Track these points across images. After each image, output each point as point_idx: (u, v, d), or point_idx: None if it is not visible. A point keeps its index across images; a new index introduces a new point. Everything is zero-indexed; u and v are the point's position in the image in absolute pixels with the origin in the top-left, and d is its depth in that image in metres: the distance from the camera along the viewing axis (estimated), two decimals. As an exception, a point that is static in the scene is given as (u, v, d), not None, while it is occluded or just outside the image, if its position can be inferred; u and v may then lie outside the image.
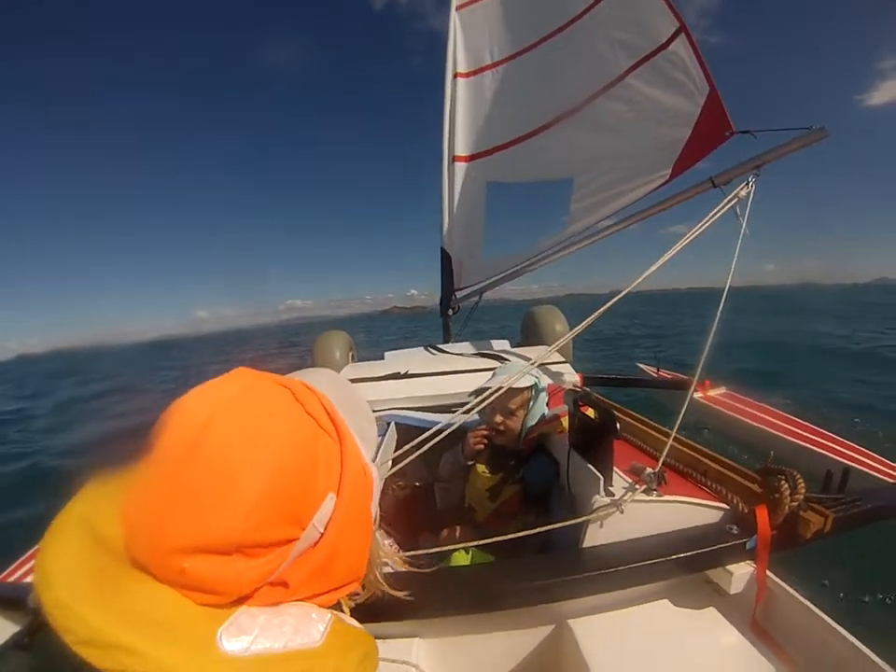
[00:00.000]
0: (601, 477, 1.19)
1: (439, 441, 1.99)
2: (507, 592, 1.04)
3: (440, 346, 2.75)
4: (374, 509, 0.53)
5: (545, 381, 1.60)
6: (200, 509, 0.38)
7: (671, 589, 1.17)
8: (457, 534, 1.55)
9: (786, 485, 1.04)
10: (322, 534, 0.44)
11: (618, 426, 1.21)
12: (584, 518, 1.13)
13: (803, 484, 1.05)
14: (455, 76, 2.92)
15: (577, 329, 1.36)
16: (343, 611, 0.58)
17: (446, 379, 2.09)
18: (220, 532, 0.38)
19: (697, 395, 2.13)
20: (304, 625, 0.43)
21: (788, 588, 1.08)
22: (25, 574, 1.29)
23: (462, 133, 2.84)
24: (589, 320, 1.36)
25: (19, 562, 1.38)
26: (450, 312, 3.18)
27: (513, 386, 1.44)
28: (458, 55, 2.95)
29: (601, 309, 1.35)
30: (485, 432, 1.64)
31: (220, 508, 0.38)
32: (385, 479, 1.79)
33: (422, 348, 2.75)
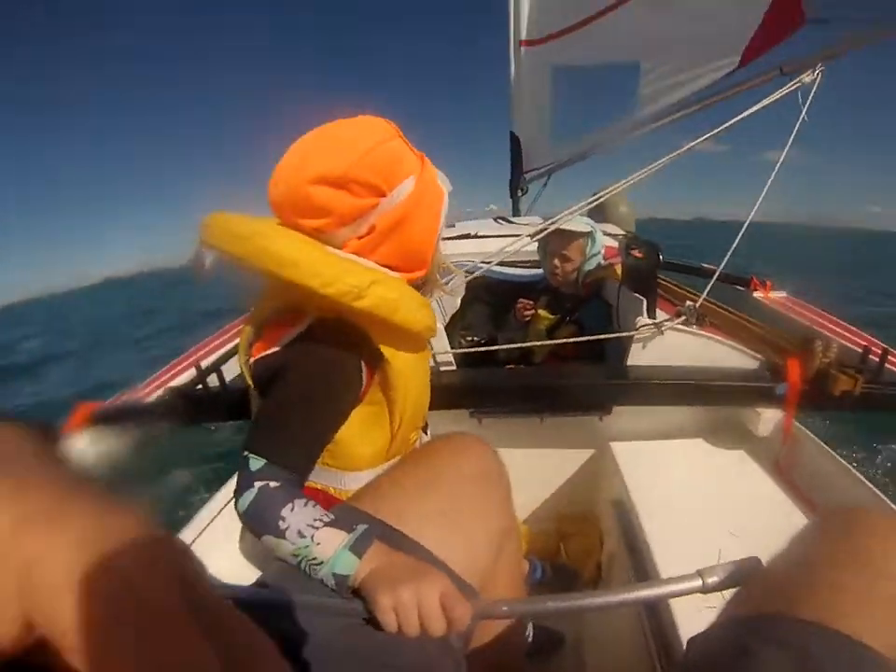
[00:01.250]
0: (644, 300, 1.29)
1: (503, 298, 2.25)
2: (555, 388, 1.16)
3: (509, 218, 2.89)
4: (442, 220, 0.71)
5: (601, 237, 1.68)
6: (326, 152, 0.61)
7: (704, 429, 1.28)
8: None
9: (819, 344, 1.08)
10: (401, 201, 0.65)
11: (660, 256, 1.32)
12: (628, 334, 1.22)
13: (836, 348, 1.08)
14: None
15: (620, 184, 1.51)
16: None
17: (512, 240, 2.24)
18: (337, 166, 0.60)
19: (758, 294, 2.04)
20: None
21: (812, 437, 1.12)
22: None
23: (528, 18, 2.82)
24: (636, 175, 1.52)
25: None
26: (519, 192, 3.30)
27: (569, 230, 1.56)
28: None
29: (654, 165, 1.49)
30: (532, 303, 1.82)
31: (340, 152, 0.60)
32: (453, 331, 2.00)
33: (491, 219, 2.88)
